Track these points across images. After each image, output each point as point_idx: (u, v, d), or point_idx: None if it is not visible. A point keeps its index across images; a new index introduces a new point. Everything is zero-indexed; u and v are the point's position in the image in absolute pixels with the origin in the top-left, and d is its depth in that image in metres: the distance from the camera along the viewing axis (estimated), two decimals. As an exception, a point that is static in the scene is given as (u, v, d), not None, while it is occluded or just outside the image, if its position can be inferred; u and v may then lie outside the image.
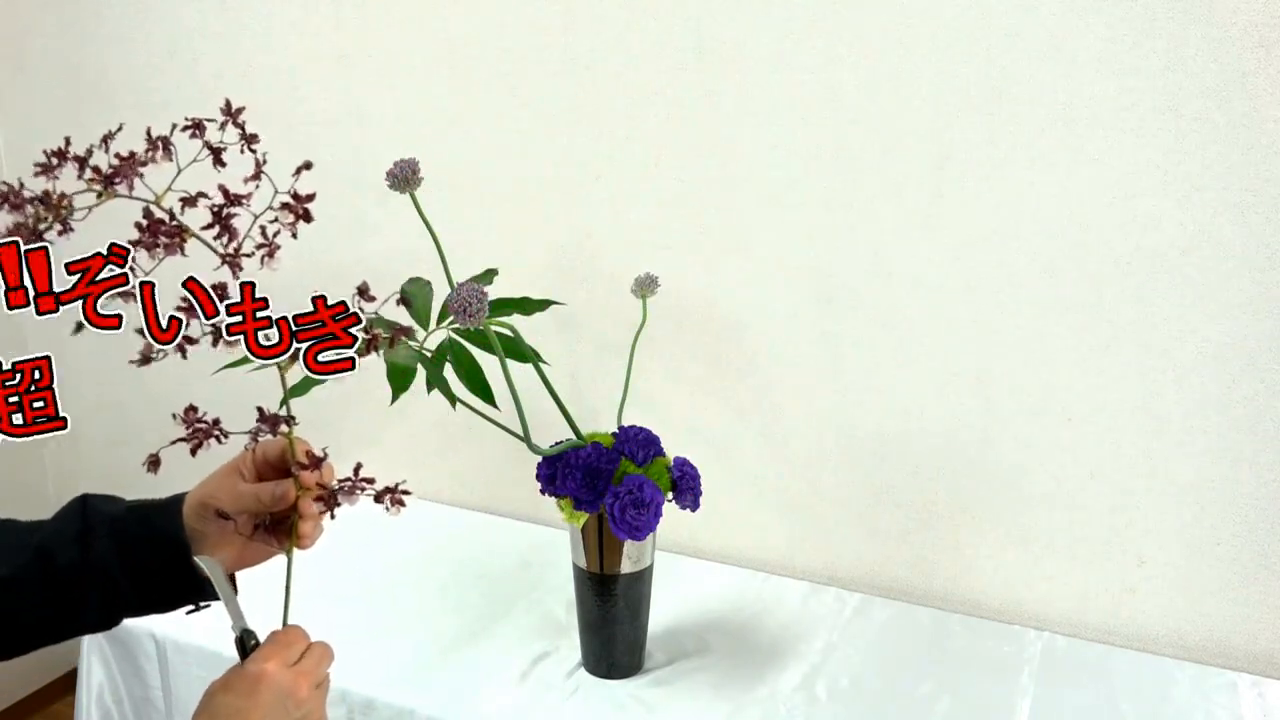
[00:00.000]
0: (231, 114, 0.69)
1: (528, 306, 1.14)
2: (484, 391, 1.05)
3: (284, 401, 0.74)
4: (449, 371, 1.03)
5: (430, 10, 1.48)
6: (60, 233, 0.64)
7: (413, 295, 1.04)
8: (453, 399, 1.03)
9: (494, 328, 1.01)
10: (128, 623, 1.28)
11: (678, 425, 1.33)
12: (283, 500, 0.75)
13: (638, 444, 1.11)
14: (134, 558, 0.77)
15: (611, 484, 1.07)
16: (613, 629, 1.16)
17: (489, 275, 1.13)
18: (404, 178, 0.99)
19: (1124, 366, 1.21)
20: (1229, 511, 1.20)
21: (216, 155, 0.68)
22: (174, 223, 0.67)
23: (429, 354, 1.03)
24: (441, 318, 1.03)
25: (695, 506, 1.11)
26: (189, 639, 1.26)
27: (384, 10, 1.52)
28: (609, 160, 1.42)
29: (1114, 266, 1.18)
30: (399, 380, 1.00)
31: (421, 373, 0.98)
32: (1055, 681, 1.18)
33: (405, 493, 0.76)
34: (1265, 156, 1.09)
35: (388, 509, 0.75)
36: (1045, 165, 1.18)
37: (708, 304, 1.41)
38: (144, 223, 0.66)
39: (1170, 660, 1.23)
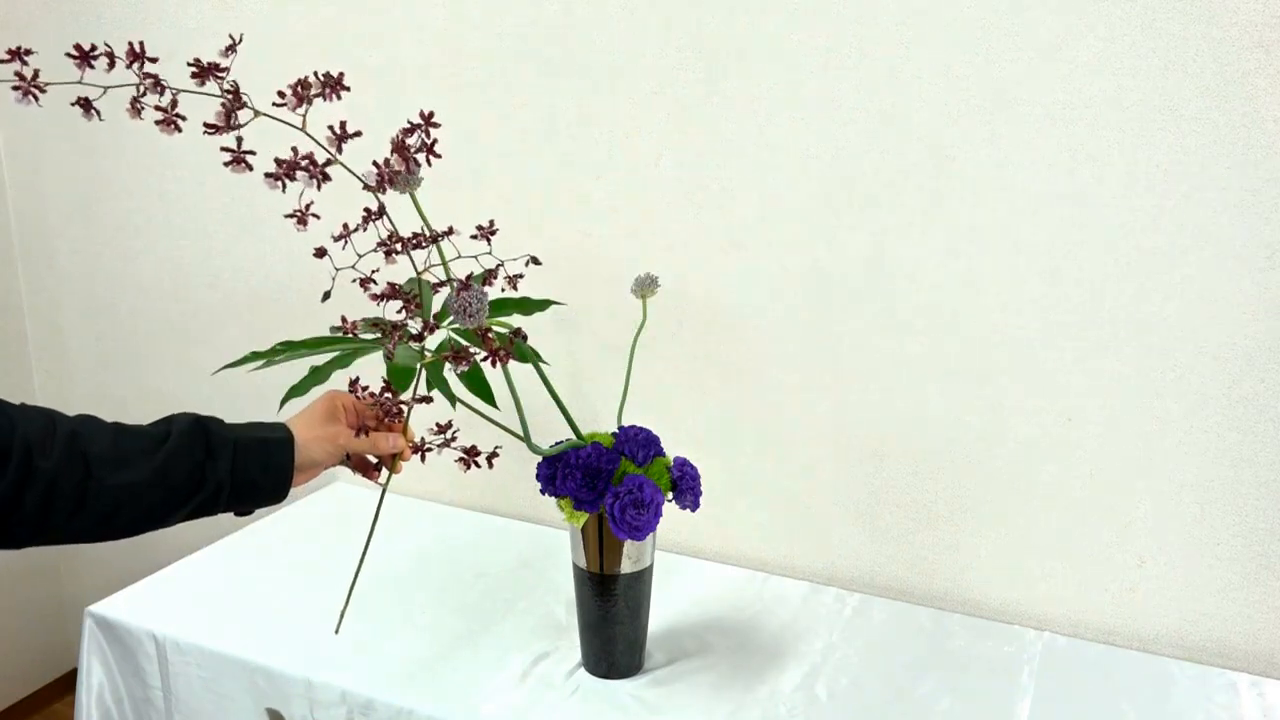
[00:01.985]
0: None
1: (528, 306, 1.14)
2: (484, 391, 1.05)
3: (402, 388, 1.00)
4: (449, 371, 1.03)
5: (430, 10, 1.48)
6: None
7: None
8: (453, 399, 1.03)
9: (494, 328, 1.01)
10: (128, 622, 1.29)
11: (678, 425, 1.33)
12: (393, 449, 1.01)
13: (638, 444, 1.11)
14: (244, 480, 0.93)
15: (611, 484, 1.07)
16: (613, 629, 1.15)
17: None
18: (404, 177, 0.99)
19: (1124, 366, 1.21)
20: (1229, 511, 1.20)
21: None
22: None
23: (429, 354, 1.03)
24: (441, 317, 1.03)
25: (695, 506, 1.11)
26: (189, 639, 1.26)
27: (384, 10, 1.52)
28: (609, 160, 1.42)
29: (1114, 266, 1.18)
30: (399, 380, 1.00)
31: (422, 373, 0.98)
32: (1055, 681, 1.18)
33: (494, 455, 1.02)
34: (1265, 156, 1.09)
35: (473, 467, 1.02)
36: (1045, 165, 1.18)
37: (708, 304, 1.41)
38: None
39: (1170, 660, 1.23)
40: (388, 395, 1.00)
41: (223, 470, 0.91)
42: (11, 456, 0.81)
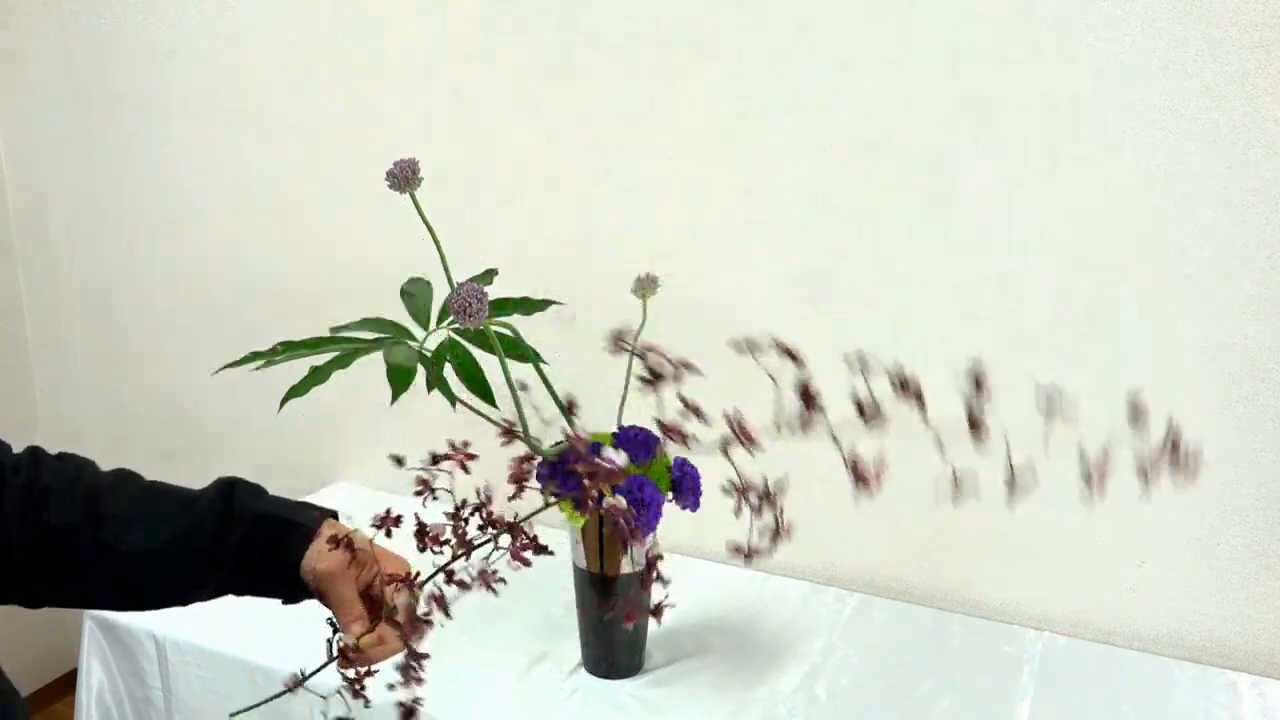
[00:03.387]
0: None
1: (528, 306, 1.14)
2: (484, 391, 1.05)
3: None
4: (449, 371, 1.03)
5: (431, 9, 1.48)
6: None
7: (413, 294, 1.04)
8: (453, 399, 1.03)
9: (494, 327, 1.01)
10: (128, 622, 1.29)
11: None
12: (380, 658, 0.87)
13: (638, 444, 1.11)
14: (259, 561, 0.83)
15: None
16: (613, 629, 1.15)
17: (489, 275, 1.13)
18: (404, 177, 0.99)
19: (1124, 366, 1.21)
20: (1229, 511, 1.20)
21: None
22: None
23: (429, 354, 1.03)
24: (441, 318, 1.03)
25: (695, 506, 1.11)
26: (189, 639, 1.26)
27: (385, 9, 1.52)
28: (609, 160, 1.42)
29: (1114, 266, 1.18)
30: (399, 380, 1.00)
31: (421, 372, 0.98)
32: (1055, 681, 1.18)
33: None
34: (1265, 156, 1.09)
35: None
36: (1045, 166, 1.18)
37: (708, 304, 1.40)
38: None
39: (1170, 660, 1.23)
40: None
41: (236, 545, 0.82)
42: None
